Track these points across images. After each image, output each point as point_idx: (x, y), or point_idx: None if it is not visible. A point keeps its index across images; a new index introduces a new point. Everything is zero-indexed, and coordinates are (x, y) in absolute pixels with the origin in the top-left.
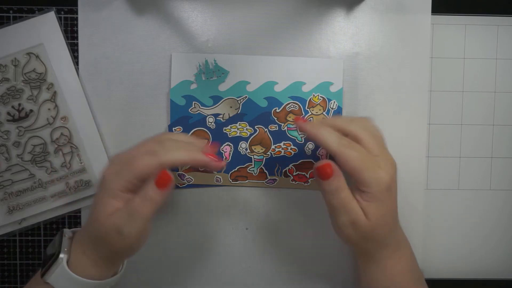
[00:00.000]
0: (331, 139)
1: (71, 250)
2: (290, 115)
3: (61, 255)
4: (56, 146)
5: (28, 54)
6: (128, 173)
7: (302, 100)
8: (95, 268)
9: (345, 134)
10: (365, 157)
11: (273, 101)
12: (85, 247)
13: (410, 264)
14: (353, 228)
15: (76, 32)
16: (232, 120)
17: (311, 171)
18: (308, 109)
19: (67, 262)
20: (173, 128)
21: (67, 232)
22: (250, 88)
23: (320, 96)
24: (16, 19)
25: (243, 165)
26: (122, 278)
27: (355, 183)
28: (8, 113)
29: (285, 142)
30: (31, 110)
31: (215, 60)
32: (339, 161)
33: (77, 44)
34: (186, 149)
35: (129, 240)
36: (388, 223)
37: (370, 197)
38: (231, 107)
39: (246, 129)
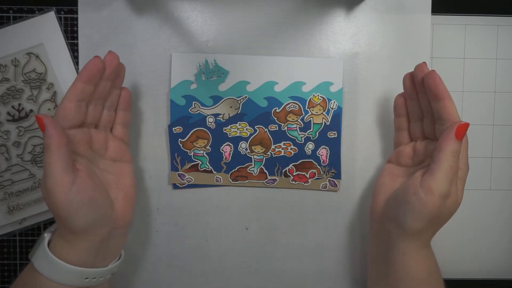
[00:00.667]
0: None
1: (55, 232)
2: (290, 115)
3: (45, 234)
4: None
5: (28, 54)
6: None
7: (302, 100)
8: (71, 249)
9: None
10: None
11: (273, 101)
12: (58, 226)
13: (436, 267)
14: (445, 200)
15: (76, 32)
16: (232, 120)
17: (312, 171)
18: (308, 109)
19: (51, 243)
20: (173, 128)
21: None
22: (250, 88)
23: (320, 96)
24: (16, 19)
25: (243, 165)
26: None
27: None
28: (8, 113)
29: (285, 142)
30: (31, 110)
31: (215, 60)
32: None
33: (77, 44)
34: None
35: (54, 195)
36: (442, 222)
37: (462, 177)
38: (231, 107)
39: (246, 129)
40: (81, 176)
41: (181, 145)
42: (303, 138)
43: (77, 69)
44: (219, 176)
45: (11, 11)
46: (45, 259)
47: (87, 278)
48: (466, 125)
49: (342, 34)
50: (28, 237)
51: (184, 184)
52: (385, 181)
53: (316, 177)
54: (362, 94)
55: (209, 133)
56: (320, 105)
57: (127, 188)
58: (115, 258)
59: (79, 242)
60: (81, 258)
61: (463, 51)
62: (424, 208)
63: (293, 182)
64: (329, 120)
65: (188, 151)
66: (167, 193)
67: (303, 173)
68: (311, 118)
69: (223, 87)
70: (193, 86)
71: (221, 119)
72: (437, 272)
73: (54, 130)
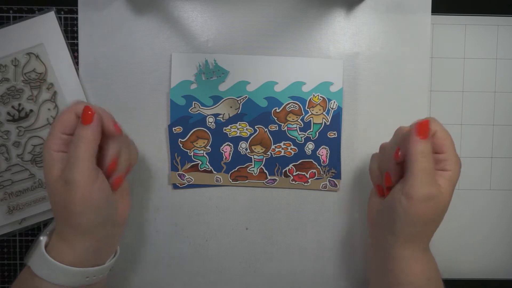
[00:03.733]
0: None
1: (53, 234)
2: (290, 115)
3: (41, 237)
4: None
5: (28, 54)
6: (53, 130)
7: (302, 100)
8: (72, 250)
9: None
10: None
11: (273, 101)
12: (57, 227)
13: (437, 273)
14: (429, 203)
15: (76, 32)
16: (232, 120)
17: (312, 171)
18: (308, 109)
19: (47, 246)
20: (173, 128)
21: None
22: (250, 88)
23: (320, 96)
24: (16, 19)
25: (243, 165)
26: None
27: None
28: (8, 113)
29: (285, 142)
30: (31, 110)
31: (215, 60)
32: (436, 130)
33: (77, 44)
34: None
35: (79, 188)
36: (445, 212)
37: (450, 177)
38: (231, 107)
39: (246, 129)
40: (102, 174)
41: (181, 145)
42: (303, 138)
43: (77, 69)
44: (219, 176)
45: (11, 11)
46: (43, 262)
47: (87, 277)
48: (426, 122)
49: (342, 34)
50: (28, 237)
51: (184, 184)
52: (373, 194)
53: (316, 177)
54: (362, 94)
55: (209, 133)
56: (320, 105)
57: (124, 184)
58: (111, 255)
59: (80, 241)
60: (81, 258)
61: (463, 51)
62: (409, 214)
63: (293, 182)
64: (329, 120)
65: (188, 151)
66: (167, 193)
67: (303, 173)
68: (311, 118)
69: (223, 87)
70: (193, 86)
71: (221, 119)
72: (436, 277)
73: (96, 123)
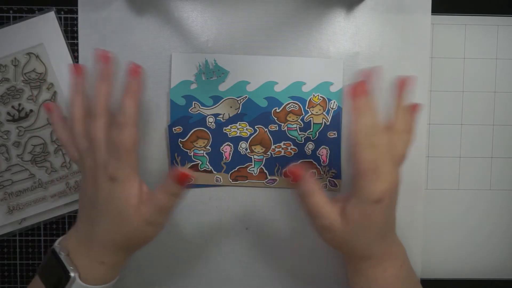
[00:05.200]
0: (364, 130)
1: (78, 265)
2: (290, 115)
3: (71, 274)
4: (56, 146)
5: (28, 54)
6: (123, 155)
7: (302, 100)
8: (107, 272)
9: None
10: (376, 162)
11: (273, 101)
12: (104, 256)
13: (401, 272)
14: (328, 232)
15: (76, 32)
16: (232, 120)
17: (312, 171)
18: (308, 109)
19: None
20: (173, 128)
21: (60, 249)
22: (250, 88)
23: (320, 96)
24: (16, 19)
25: (243, 165)
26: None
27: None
28: (8, 113)
29: (285, 142)
30: (31, 110)
31: (215, 60)
32: (352, 157)
33: (77, 44)
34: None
35: (159, 230)
36: (368, 236)
37: (356, 204)
38: (231, 107)
39: (246, 129)
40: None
41: (181, 145)
42: (303, 138)
43: None
44: (219, 176)
45: (11, 11)
46: None
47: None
48: (294, 168)
49: (342, 34)
50: (28, 237)
51: None
52: None
53: (316, 177)
54: None
55: (209, 133)
56: (320, 105)
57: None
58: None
59: (120, 261)
60: (113, 275)
61: (463, 51)
62: (325, 242)
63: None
64: (329, 120)
65: (188, 151)
66: None
67: None
68: (311, 118)
69: (223, 87)
70: (193, 86)
71: (221, 119)
72: (399, 284)
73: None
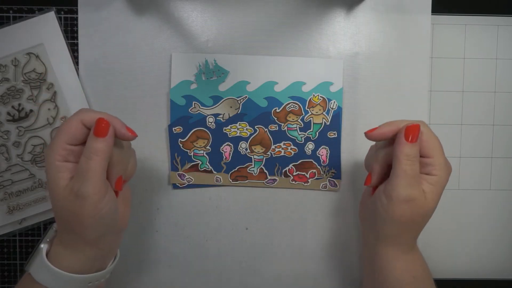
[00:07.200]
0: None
1: (53, 241)
2: (290, 115)
3: (42, 245)
4: None
5: (28, 54)
6: (57, 140)
7: (302, 100)
8: (76, 258)
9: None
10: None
11: (273, 101)
12: (60, 235)
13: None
14: (408, 205)
15: (76, 32)
16: (232, 120)
17: (312, 171)
18: (308, 109)
19: (48, 253)
20: (173, 128)
21: (55, 225)
22: (250, 88)
23: (320, 96)
24: (16, 19)
25: (243, 165)
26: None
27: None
28: (8, 113)
29: (285, 142)
30: (31, 110)
31: (215, 60)
32: (423, 133)
33: (77, 44)
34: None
35: (90, 202)
36: (429, 216)
37: (436, 182)
38: (231, 107)
39: (246, 129)
40: (109, 186)
41: (181, 145)
42: (303, 138)
43: (77, 69)
44: (219, 176)
45: (11, 11)
46: (46, 270)
47: (90, 282)
48: (416, 126)
49: (342, 34)
50: (28, 237)
51: (184, 184)
52: (365, 193)
53: (316, 177)
54: (362, 94)
55: (209, 133)
56: (320, 105)
57: (125, 190)
58: (112, 258)
59: (85, 250)
60: (84, 266)
61: (463, 51)
62: (388, 214)
63: (293, 182)
64: (329, 120)
65: (188, 151)
66: (167, 193)
67: (303, 173)
68: (311, 118)
69: (223, 87)
70: (193, 86)
71: (221, 119)
72: (423, 275)
73: (110, 135)
